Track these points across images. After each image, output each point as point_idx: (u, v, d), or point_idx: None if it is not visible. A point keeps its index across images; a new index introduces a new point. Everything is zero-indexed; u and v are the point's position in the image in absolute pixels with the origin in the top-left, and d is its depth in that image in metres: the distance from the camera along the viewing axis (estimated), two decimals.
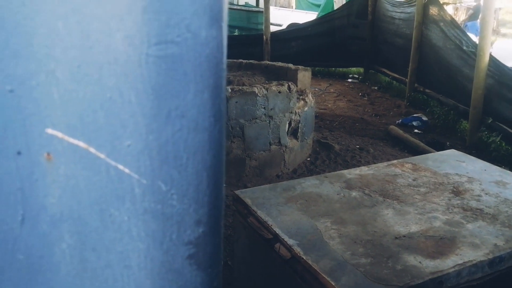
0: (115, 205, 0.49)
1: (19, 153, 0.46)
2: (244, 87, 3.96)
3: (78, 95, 0.46)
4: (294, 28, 7.98)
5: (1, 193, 0.47)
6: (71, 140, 0.47)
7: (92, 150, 0.47)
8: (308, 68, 4.68)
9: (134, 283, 0.52)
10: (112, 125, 0.47)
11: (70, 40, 0.44)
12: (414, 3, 6.49)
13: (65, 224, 0.49)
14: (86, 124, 0.47)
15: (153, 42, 0.46)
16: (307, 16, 9.86)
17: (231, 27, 10.64)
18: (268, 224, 2.16)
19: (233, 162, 3.95)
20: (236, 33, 9.86)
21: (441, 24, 5.96)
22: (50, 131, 0.46)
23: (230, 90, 3.83)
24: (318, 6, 11.62)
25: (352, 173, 2.63)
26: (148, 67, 0.46)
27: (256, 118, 3.99)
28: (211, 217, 0.53)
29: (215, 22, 0.47)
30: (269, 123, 4.07)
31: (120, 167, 0.48)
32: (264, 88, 3.97)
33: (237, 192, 2.38)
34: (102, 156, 0.48)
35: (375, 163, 3.27)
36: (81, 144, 0.47)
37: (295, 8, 11.20)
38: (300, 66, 4.65)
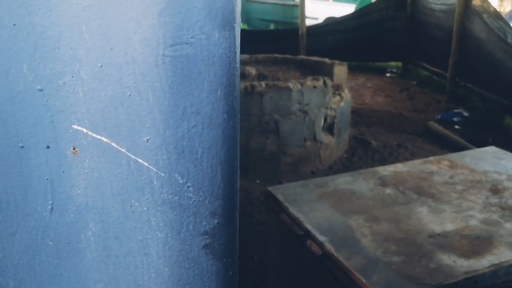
0: (135, 196, 0.52)
1: (48, 147, 0.50)
2: (278, 82, 3.96)
3: (100, 93, 0.49)
4: (330, 22, 7.90)
5: (32, 184, 0.51)
6: (95, 135, 0.50)
7: (113, 144, 0.51)
8: (344, 62, 4.62)
9: (153, 270, 0.55)
10: (132, 121, 0.50)
11: (92, 42, 0.48)
12: None
13: (90, 213, 0.53)
14: (108, 120, 0.50)
15: (168, 43, 0.48)
16: (345, 9, 9.70)
17: (266, 21, 10.62)
18: (300, 220, 2.17)
19: (268, 158, 3.97)
20: (271, 27, 9.84)
21: (484, 15, 5.73)
22: (76, 127, 0.50)
23: (264, 85, 3.85)
24: None
25: (386, 170, 2.60)
26: (164, 67, 0.49)
27: (291, 114, 3.99)
28: (226, 209, 0.55)
29: (227, 24, 0.50)
30: (304, 118, 4.06)
31: (140, 160, 0.51)
32: (299, 83, 3.96)
33: (270, 188, 2.40)
34: (123, 150, 0.51)
35: (413, 160, 3.20)
36: (104, 139, 0.51)
37: (333, 1, 11.06)
38: (336, 61, 4.61)
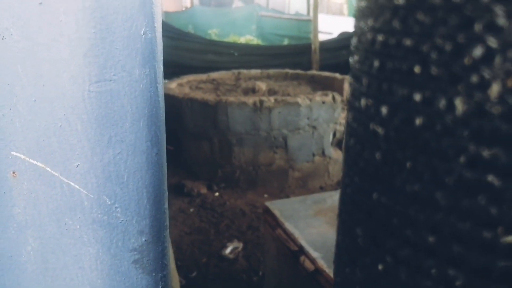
0: (68, 215, 0.58)
1: None
2: (287, 97, 4.01)
3: (35, 124, 0.56)
4: (345, 37, 7.91)
5: None
6: (32, 161, 0.57)
7: (48, 169, 0.57)
8: None
9: (87, 282, 0.61)
10: (63, 149, 0.56)
11: (27, 79, 0.54)
12: None
13: (29, 230, 0.59)
14: (42, 148, 0.56)
15: (93, 80, 0.55)
16: None
17: (280, 36, 10.69)
18: (295, 236, 2.20)
19: (276, 173, 4.01)
20: (285, 42, 9.91)
21: None
22: (14, 153, 0.57)
23: (273, 100, 3.91)
24: None
25: None
26: (90, 101, 0.55)
27: (300, 129, 4.03)
28: (153, 228, 0.61)
29: (147, 62, 0.56)
30: (312, 133, 4.09)
31: (71, 183, 0.57)
32: (308, 98, 4.00)
33: (267, 203, 2.44)
34: (56, 174, 0.57)
35: None
36: (40, 164, 0.57)
37: (347, 15, 11.06)
38: (346, 76, 4.64)
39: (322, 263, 1.97)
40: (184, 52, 6.94)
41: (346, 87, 4.51)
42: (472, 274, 0.23)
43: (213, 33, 11.48)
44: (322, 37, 7.50)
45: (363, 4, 0.28)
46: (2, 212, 0.59)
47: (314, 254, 2.05)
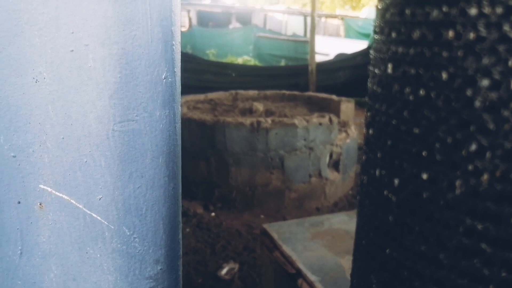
0: (90, 244, 0.63)
1: (19, 202, 0.61)
2: (284, 118, 4.08)
3: (62, 159, 0.60)
4: (341, 58, 8.03)
5: (5, 232, 0.62)
6: (58, 193, 0.61)
7: (73, 201, 0.61)
8: (351, 99, 4.73)
9: None
10: (87, 183, 0.61)
11: (56, 119, 0.59)
12: None
13: (52, 258, 0.63)
14: (68, 181, 0.61)
15: (117, 120, 0.59)
16: (356, 45, 9.86)
17: (278, 57, 10.84)
18: (292, 259, 2.22)
19: (272, 194, 4.05)
20: (282, 63, 10.03)
21: None
22: (42, 186, 0.61)
23: (270, 122, 3.97)
24: (367, 35, 11.62)
25: None
26: (114, 139, 0.60)
27: (296, 150, 4.08)
28: (168, 257, 0.65)
29: (167, 104, 0.61)
30: (309, 155, 4.14)
31: (94, 215, 0.62)
32: (304, 119, 4.07)
33: (265, 225, 2.47)
34: (80, 206, 0.61)
35: None
36: (65, 196, 0.61)
37: (344, 37, 11.28)
38: (343, 98, 4.72)
39: (319, 287, 2.00)
40: (182, 72, 6.97)
41: (343, 109, 4.59)
42: None
43: (211, 54, 11.62)
44: (318, 58, 7.61)
45: (376, 89, 0.32)
46: (28, 241, 0.62)
47: (312, 277, 2.07)
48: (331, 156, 4.32)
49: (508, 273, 0.25)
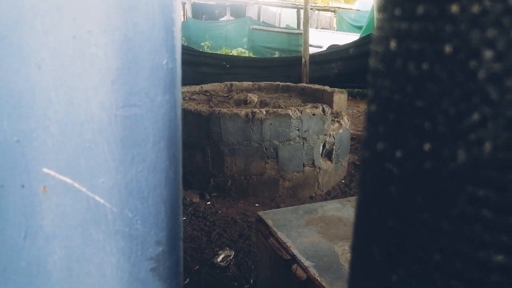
0: (93, 227, 0.64)
1: (23, 186, 0.63)
2: (278, 109, 4.09)
3: (65, 145, 0.62)
4: (334, 50, 8.05)
5: (9, 216, 0.64)
6: (61, 177, 0.63)
7: (76, 185, 0.63)
8: (344, 90, 4.75)
9: None
10: (90, 167, 0.62)
11: (59, 105, 0.60)
12: None
13: (56, 240, 0.65)
14: (71, 166, 0.62)
15: (120, 105, 0.61)
16: (348, 38, 9.87)
17: (271, 49, 10.84)
18: (287, 245, 2.26)
19: (267, 183, 4.07)
20: (276, 55, 10.03)
21: None
22: (46, 170, 0.62)
23: (264, 112, 3.98)
24: (359, 27, 11.63)
25: None
26: (116, 124, 0.61)
27: (290, 140, 4.10)
28: (169, 239, 0.67)
29: (168, 90, 0.62)
30: (303, 144, 4.16)
31: (97, 198, 0.63)
32: (298, 110, 4.08)
33: (260, 213, 2.50)
34: (83, 189, 0.63)
35: None
36: (68, 180, 0.63)
37: (336, 30, 11.29)
38: (336, 89, 4.74)
39: (314, 272, 2.04)
40: None
41: (336, 99, 4.61)
42: (470, 285, 0.30)
43: (206, 46, 11.57)
44: (312, 50, 7.62)
45: (379, 65, 0.34)
46: (32, 224, 0.64)
47: (306, 263, 2.11)
48: (324, 146, 4.35)
49: (508, 237, 0.27)
